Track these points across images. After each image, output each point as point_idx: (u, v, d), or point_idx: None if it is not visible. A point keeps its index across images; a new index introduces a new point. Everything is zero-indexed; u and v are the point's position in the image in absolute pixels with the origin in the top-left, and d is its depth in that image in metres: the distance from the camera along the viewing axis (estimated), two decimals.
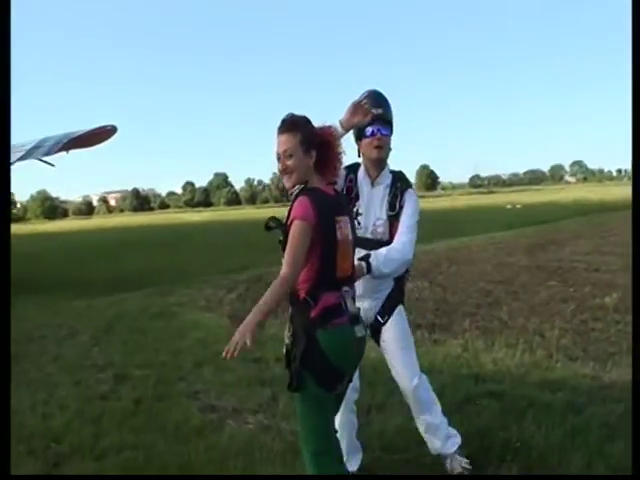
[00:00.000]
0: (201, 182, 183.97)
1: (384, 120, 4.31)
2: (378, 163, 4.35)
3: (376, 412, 5.79)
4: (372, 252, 4.08)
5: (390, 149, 4.39)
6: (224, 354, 3.04)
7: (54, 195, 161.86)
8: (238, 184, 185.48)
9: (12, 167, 15.11)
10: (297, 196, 3.35)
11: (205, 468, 4.87)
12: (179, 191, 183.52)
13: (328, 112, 3.98)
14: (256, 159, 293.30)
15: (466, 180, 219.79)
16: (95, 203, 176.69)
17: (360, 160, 4.48)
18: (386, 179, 4.39)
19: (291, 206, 3.34)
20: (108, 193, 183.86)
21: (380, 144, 4.25)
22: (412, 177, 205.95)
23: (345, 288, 3.41)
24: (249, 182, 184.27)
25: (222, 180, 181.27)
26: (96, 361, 8.31)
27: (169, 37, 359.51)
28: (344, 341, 3.34)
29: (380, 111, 4.27)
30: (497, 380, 6.54)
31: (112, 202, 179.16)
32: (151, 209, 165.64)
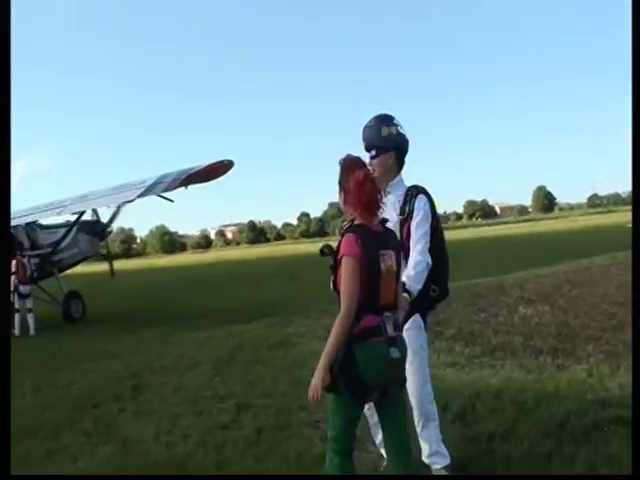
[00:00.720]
0: (316, 212, 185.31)
1: (367, 149, 4.98)
2: (380, 180, 4.57)
3: (499, 440, 5.62)
4: (404, 278, 4.34)
5: (391, 164, 4.96)
6: (310, 399, 3.70)
7: (173, 230, 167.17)
8: None
9: (132, 203, 15.85)
10: (345, 232, 3.85)
11: None
12: (294, 222, 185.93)
13: None
14: None
15: (584, 200, 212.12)
16: (213, 237, 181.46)
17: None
18: (397, 189, 4.90)
19: (340, 241, 3.83)
20: (225, 226, 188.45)
21: (371, 170, 4.35)
22: (528, 199, 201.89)
23: (387, 314, 3.82)
24: None
25: (336, 210, 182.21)
26: (217, 391, 8.47)
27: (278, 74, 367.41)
28: (377, 358, 3.74)
29: (364, 144, 5.01)
30: (624, 405, 6.22)
31: (229, 235, 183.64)
32: (267, 241, 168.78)
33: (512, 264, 22.79)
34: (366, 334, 3.73)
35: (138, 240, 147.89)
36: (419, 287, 4.48)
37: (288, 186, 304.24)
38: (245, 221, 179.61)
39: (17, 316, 16.63)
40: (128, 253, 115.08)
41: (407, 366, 4.13)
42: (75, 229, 19.93)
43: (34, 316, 16.92)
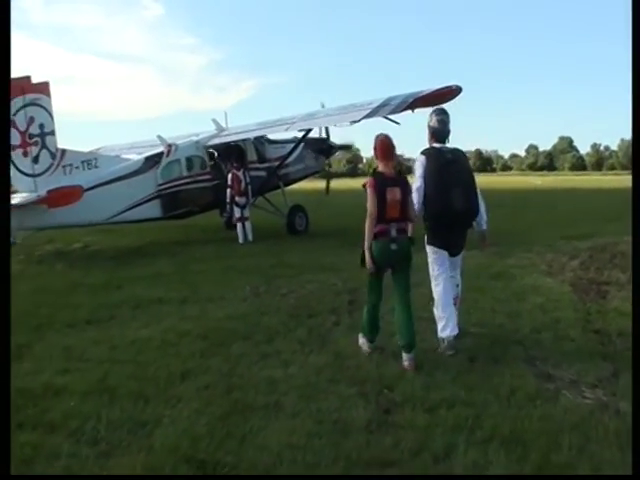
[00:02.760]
0: (545, 146, 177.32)
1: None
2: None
3: None
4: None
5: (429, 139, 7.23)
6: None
7: (398, 153, 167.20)
8: (583, 149, 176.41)
9: (359, 124, 15.79)
10: (370, 175, 6.56)
11: (538, 438, 4.60)
12: (522, 154, 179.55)
13: None
14: (603, 124, 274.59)
15: None
16: None
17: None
18: None
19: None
20: None
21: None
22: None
23: (392, 224, 6.41)
24: (595, 147, 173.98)
25: (567, 144, 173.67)
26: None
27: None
28: (382, 248, 6.43)
29: None
30: None
31: None
32: (493, 170, 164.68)
33: None
34: (377, 235, 6.43)
35: (364, 160, 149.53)
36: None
37: (518, 116, 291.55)
38: (472, 149, 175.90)
39: (238, 225, 17.70)
40: (354, 173, 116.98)
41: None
42: (302, 145, 20.42)
43: (251, 225, 17.84)
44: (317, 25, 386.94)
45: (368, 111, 15.17)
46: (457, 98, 15.00)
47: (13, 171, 16.12)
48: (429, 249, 7.09)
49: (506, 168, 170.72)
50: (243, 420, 5.06)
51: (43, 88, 16.23)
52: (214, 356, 6.82)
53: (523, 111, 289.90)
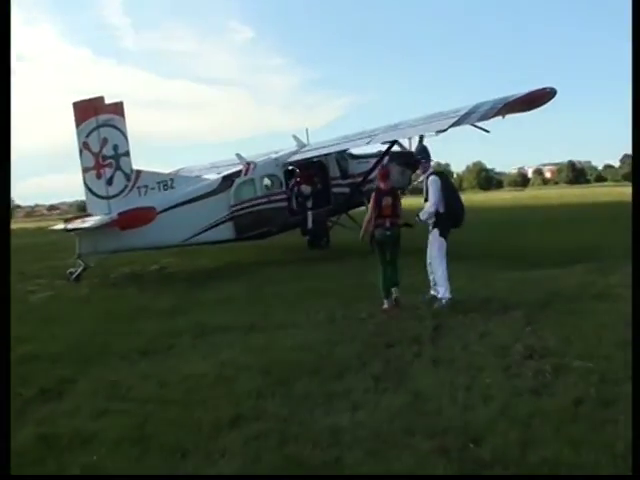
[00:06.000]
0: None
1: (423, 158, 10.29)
2: (422, 172, 10.39)
3: None
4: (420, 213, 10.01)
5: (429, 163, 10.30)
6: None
7: (489, 167, 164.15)
8: None
9: (447, 137, 14.74)
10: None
11: None
12: (617, 164, 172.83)
13: None
14: None
15: None
16: (530, 175, 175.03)
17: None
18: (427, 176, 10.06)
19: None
20: (544, 165, 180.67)
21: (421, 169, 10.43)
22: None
23: (387, 219, 9.84)
24: None
25: None
26: (528, 343, 7.19)
27: None
28: (380, 233, 9.89)
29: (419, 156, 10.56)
30: None
31: (547, 174, 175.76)
32: (587, 182, 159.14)
33: None
34: (376, 226, 9.85)
35: (455, 175, 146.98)
36: (422, 218, 9.98)
37: (611, 125, 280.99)
38: (564, 161, 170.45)
39: None
40: None
41: (431, 245, 10.10)
42: (386, 159, 19.36)
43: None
44: (410, 41, 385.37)
45: (455, 119, 14.08)
46: (548, 105, 13.81)
47: (87, 193, 15.84)
48: (441, 239, 10.01)
49: (600, 179, 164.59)
50: None
51: (116, 109, 15.90)
52: (273, 397, 5.91)
53: (615, 120, 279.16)
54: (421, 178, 10.46)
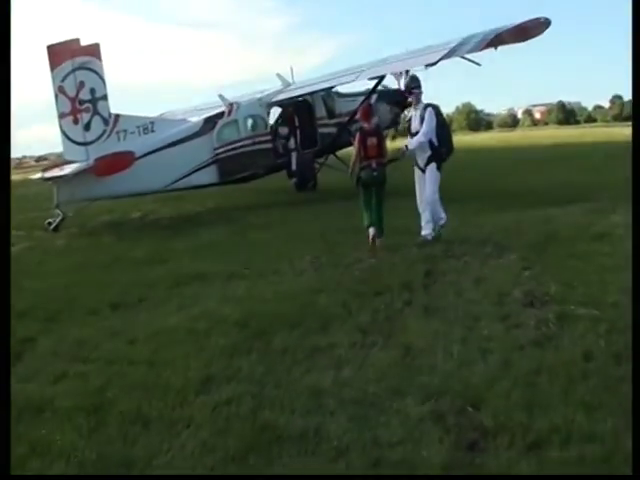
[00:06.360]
0: (630, 96, 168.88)
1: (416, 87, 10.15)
2: (415, 103, 10.06)
3: None
4: (406, 141, 10.26)
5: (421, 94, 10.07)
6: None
7: (479, 108, 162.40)
8: None
9: (433, 67, 13.95)
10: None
11: None
12: (606, 105, 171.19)
13: None
14: None
15: None
16: (519, 116, 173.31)
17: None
18: (420, 107, 9.89)
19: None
20: (533, 106, 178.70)
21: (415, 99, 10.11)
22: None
23: (372, 160, 9.45)
24: None
25: None
26: (528, 289, 6.68)
27: None
28: (366, 175, 9.55)
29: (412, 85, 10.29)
30: None
31: (537, 115, 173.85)
32: (577, 123, 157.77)
33: None
34: (362, 167, 9.52)
35: (444, 116, 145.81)
36: (410, 147, 9.96)
37: (600, 65, 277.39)
38: (554, 101, 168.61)
39: None
40: None
41: (428, 182, 9.86)
42: (374, 97, 18.56)
43: None
44: None
45: (445, 51, 13.28)
46: (537, 44, 13.08)
47: (64, 140, 15.11)
48: (437, 173, 9.92)
49: (590, 120, 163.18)
50: (265, 461, 3.58)
51: (93, 50, 15.09)
52: (248, 353, 5.35)
53: (605, 60, 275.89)
54: (410, 111, 10.58)
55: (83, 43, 15.01)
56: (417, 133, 9.86)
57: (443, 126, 10.14)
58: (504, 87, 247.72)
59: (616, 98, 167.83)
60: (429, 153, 9.85)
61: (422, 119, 9.77)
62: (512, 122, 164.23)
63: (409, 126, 10.25)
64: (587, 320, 5.53)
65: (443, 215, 9.99)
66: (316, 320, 6.14)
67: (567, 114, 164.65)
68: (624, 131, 72.54)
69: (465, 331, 5.47)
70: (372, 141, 9.53)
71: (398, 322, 5.98)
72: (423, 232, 9.86)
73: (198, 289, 7.92)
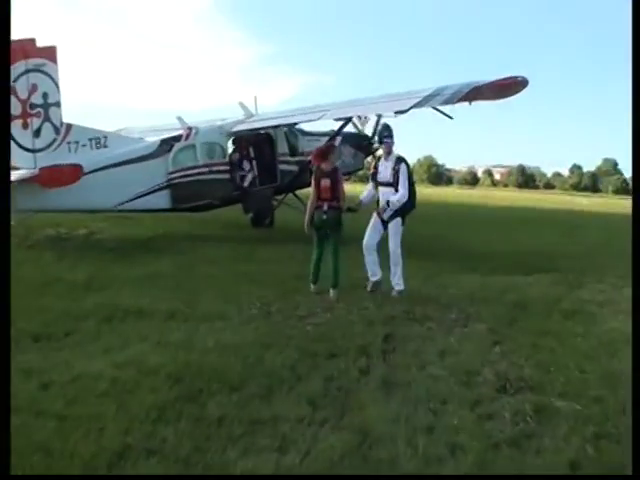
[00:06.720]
0: (589, 167, 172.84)
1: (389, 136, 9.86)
2: (386, 153, 9.83)
3: None
4: (389, 199, 9.51)
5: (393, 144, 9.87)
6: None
7: (440, 162, 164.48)
8: (628, 172, 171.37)
9: (405, 114, 13.47)
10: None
11: None
12: (565, 173, 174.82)
13: None
14: None
15: None
16: (480, 175, 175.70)
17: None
18: (392, 158, 9.70)
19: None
20: (494, 167, 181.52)
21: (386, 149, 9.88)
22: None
23: (325, 202, 9.32)
24: None
25: (611, 166, 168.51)
26: (500, 370, 6.03)
27: None
28: (317, 216, 9.36)
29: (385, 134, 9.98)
30: None
31: (497, 176, 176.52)
32: (536, 187, 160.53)
33: None
34: (316, 209, 9.40)
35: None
36: (395, 205, 9.53)
37: (562, 134, 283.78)
38: (514, 164, 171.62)
39: None
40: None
41: (391, 235, 9.63)
42: (339, 140, 17.94)
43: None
44: (373, 23, 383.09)
45: (418, 100, 12.80)
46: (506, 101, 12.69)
47: (12, 145, 14.15)
48: (402, 228, 9.74)
49: (548, 186, 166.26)
50: None
51: (49, 53, 14.09)
52: (178, 419, 4.54)
53: (567, 130, 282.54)
54: (376, 158, 10.97)
55: (39, 44, 14.15)
56: (388, 184, 9.60)
57: (411, 182, 9.89)
58: (465, 144, 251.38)
59: (575, 168, 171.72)
60: (396, 207, 9.59)
61: (395, 172, 9.56)
62: (472, 180, 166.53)
63: (374, 173, 9.95)
64: (570, 417, 4.87)
65: (380, 272, 9.73)
66: (260, 383, 5.38)
67: (527, 178, 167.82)
68: (583, 201, 74.14)
69: (430, 417, 4.76)
70: (325, 182, 9.41)
71: (353, 396, 5.25)
72: (397, 287, 9.55)
73: (132, 328, 7.05)
